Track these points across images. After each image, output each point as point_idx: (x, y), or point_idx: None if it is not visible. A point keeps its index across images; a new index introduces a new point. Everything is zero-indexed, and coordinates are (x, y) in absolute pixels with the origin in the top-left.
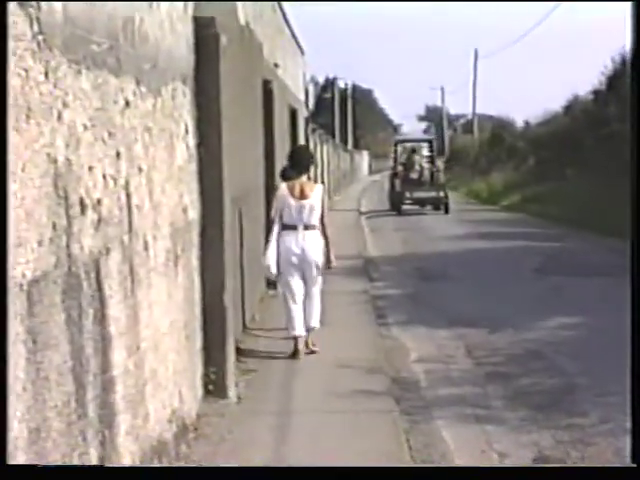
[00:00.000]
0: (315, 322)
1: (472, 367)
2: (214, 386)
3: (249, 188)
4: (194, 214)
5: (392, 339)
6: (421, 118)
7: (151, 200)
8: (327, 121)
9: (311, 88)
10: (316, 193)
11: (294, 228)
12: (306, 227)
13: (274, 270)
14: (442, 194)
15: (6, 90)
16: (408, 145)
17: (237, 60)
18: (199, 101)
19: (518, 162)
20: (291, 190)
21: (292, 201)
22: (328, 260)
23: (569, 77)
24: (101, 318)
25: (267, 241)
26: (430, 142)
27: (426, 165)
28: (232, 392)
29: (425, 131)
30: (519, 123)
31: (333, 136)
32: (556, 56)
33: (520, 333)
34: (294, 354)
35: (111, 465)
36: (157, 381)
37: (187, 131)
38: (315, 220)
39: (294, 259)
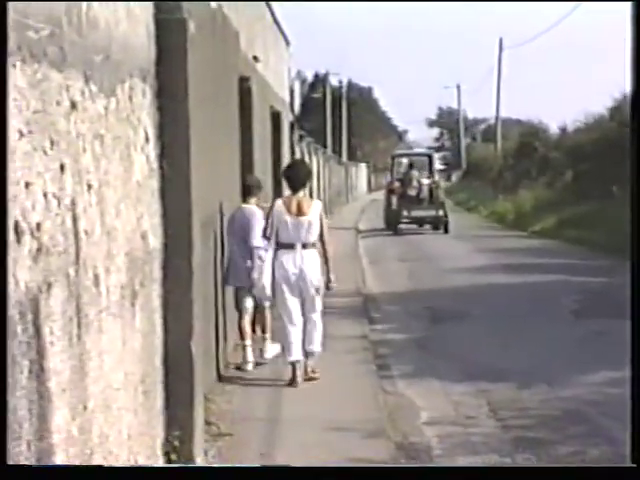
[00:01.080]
0: (316, 346)
1: (497, 431)
2: (177, 455)
3: (222, 209)
4: (156, 241)
5: (397, 395)
6: (432, 123)
7: (103, 224)
8: (317, 126)
9: (297, 86)
10: (314, 209)
11: (291, 247)
12: (304, 246)
13: (269, 291)
14: (441, 213)
15: (6, 90)
16: (405, 160)
17: (208, 52)
18: (162, 102)
19: (552, 177)
20: (287, 206)
21: (289, 218)
22: (328, 280)
23: (616, 72)
24: (39, 371)
25: (262, 260)
26: (429, 156)
27: (425, 181)
28: (200, 461)
29: (437, 139)
30: (553, 129)
31: (324, 145)
32: (599, 47)
33: (556, 389)
34: (291, 382)
35: (111, 465)
36: (107, 448)
37: (147, 139)
38: (313, 238)
39: (291, 280)
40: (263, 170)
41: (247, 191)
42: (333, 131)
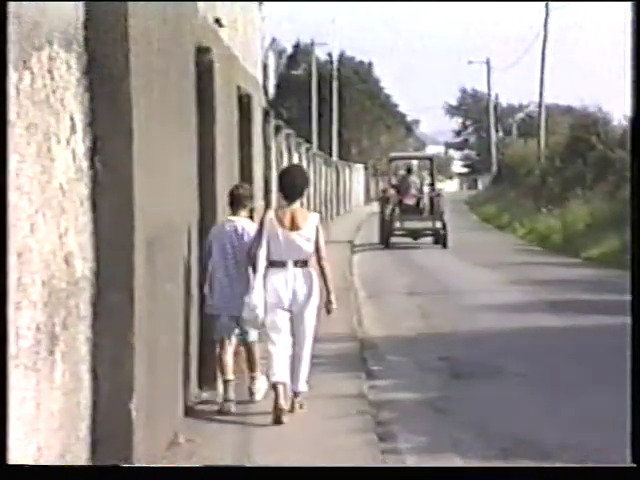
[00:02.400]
0: (302, 386)
1: None
2: None
3: (175, 223)
4: (85, 267)
5: None
6: (452, 111)
7: (11, 243)
8: (298, 114)
9: (272, 60)
10: (310, 223)
11: (283, 265)
12: (297, 264)
13: (261, 313)
14: (439, 224)
15: (6, 90)
16: (403, 163)
17: (154, 13)
18: (94, 80)
19: (615, 184)
20: (280, 219)
21: (281, 232)
22: (328, 301)
23: None
24: None
25: (251, 277)
26: (431, 160)
27: (425, 189)
28: None
29: (459, 133)
30: (617, 120)
31: (308, 139)
32: None
33: None
34: (275, 413)
35: (111, 465)
36: None
37: (74, 129)
38: (309, 255)
39: (283, 303)
40: (228, 172)
41: (237, 201)
42: (320, 121)
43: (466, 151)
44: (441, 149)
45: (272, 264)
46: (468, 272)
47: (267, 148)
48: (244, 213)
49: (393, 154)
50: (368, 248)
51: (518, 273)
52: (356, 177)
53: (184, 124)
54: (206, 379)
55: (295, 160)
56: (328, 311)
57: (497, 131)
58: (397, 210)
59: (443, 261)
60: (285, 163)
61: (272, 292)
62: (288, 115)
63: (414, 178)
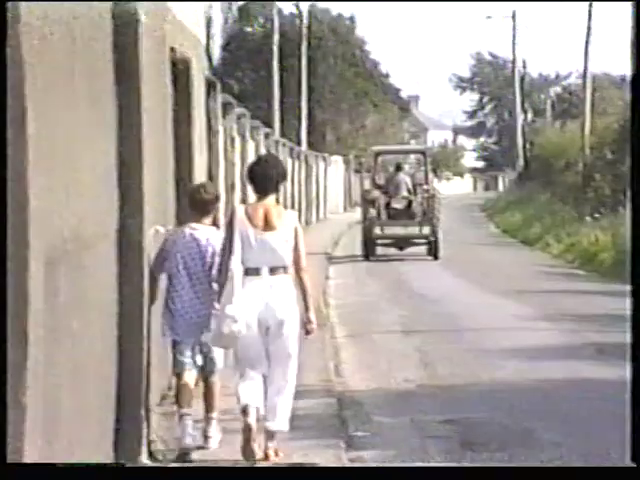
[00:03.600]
0: (280, 424)
1: None
2: None
3: (85, 234)
4: None
5: None
6: (463, 84)
7: None
8: (253, 87)
9: (218, 14)
10: (287, 222)
11: (256, 273)
12: (273, 271)
13: (242, 323)
14: (427, 230)
15: (6, 90)
16: (387, 158)
17: None
18: None
19: None
20: (251, 217)
21: (253, 233)
22: (307, 320)
23: None
24: None
25: (223, 287)
26: (423, 154)
27: (418, 190)
28: None
29: (472, 114)
30: None
31: (267, 122)
32: None
33: None
34: (245, 450)
35: (111, 465)
36: None
37: None
38: (286, 261)
39: (256, 318)
40: (160, 165)
41: (200, 207)
42: (283, 97)
43: (482, 138)
44: (448, 135)
45: (244, 272)
46: (483, 302)
47: (212, 132)
48: (208, 221)
49: (377, 148)
50: (349, 262)
51: (552, 305)
52: (333, 173)
53: (97, 100)
54: (125, 452)
55: (250, 150)
56: (307, 332)
57: (525, 111)
58: (383, 215)
59: (449, 286)
60: (237, 152)
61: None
62: (240, 88)
63: (404, 176)
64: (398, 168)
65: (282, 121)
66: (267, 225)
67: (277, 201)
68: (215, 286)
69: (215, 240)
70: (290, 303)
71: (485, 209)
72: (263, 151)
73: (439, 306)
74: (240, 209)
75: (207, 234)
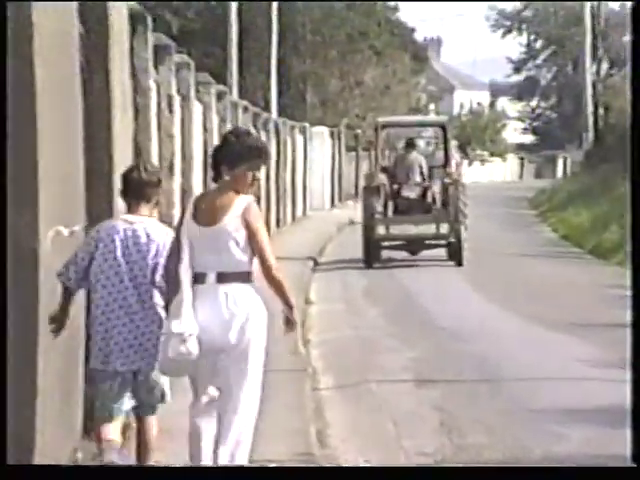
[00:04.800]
0: (240, 457)
1: None
2: None
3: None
4: None
5: None
6: (504, 22)
7: None
8: (199, 26)
9: None
10: (234, 211)
11: (201, 280)
12: (222, 278)
13: (193, 342)
14: (449, 228)
15: (6, 90)
16: (395, 132)
17: None
18: None
19: None
20: (197, 208)
21: (196, 229)
22: (287, 322)
23: None
24: None
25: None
26: (443, 127)
27: (436, 173)
28: None
29: (518, 65)
30: None
31: (221, 78)
32: None
33: None
34: None
35: (111, 465)
36: None
37: None
38: (240, 264)
39: (205, 341)
40: (60, 134)
41: (136, 191)
42: (244, 40)
43: (534, 101)
44: (482, 97)
45: (194, 279)
46: (532, 340)
47: (140, 90)
48: (147, 210)
49: (382, 119)
50: (340, 272)
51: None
52: (317, 152)
53: None
54: None
55: (196, 114)
56: (288, 324)
57: (597, 61)
58: (390, 208)
59: (481, 315)
60: (177, 119)
61: None
62: (181, 25)
63: (418, 156)
64: (409, 145)
65: (242, 75)
66: (210, 217)
67: (257, 199)
68: (160, 297)
69: (159, 235)
70: (249, 319)
71: (536, 204)
72: (214, 117)
73: (467, 344)
74: (191, 202)
75: (148, 228)
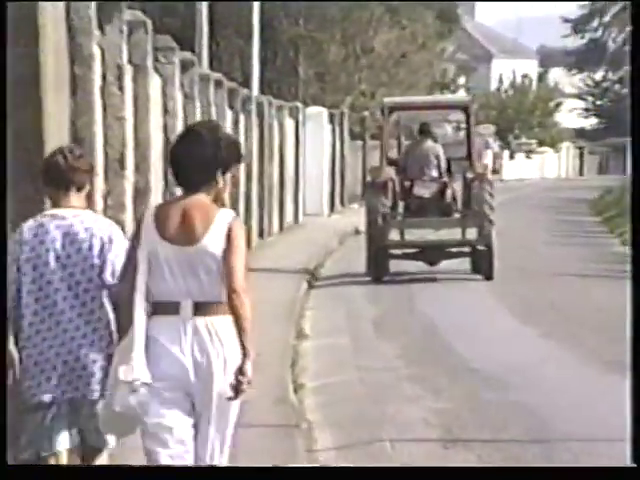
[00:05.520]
0: None
1: None
2: None
3: None
4: None
5: None
6: None
7: None
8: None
9: None
10: (217, 228)
11: (172, 310)
12: (200, 309)
13: (144, 393)
14: (476, 234)
15: (5, 89)
16: (408, 116)
17: None
18: None
19: None
20: (163, 222)
21: (164, 248)
22: (238, 374)
23: None
24: None
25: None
26: (465, 108)
27: (455, 167)
28: None
29: (577, 25)
30: None
31: (186, 43)
32: None
33: None
34: None
35: (111, 465)
36: None
37: None
38: (219, 293)
39: (175, 383)
40: None
41: (63, 179)
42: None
43: (600, 73)
44: (529, 67)
45: (155, 309)
46: (591, 387)
47: (79, 58)
48: (79, 201)
49: (390, 100)
50: (340, 292)
51: None
52: (312, 139)
53: None
54: None
55: (154, 90)
56: (235, 391)
57: None
58: (400, 208)
59: (527, 354)
60: (129, 98)
61: (154, 363)
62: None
63: (435, 146)
64: (423, 132)
65: (214, 39)
66: (186, 235)
67: (219, 201)
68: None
69: (101, 228)
70: (233, 360)
71: (600, 209)
72: (177, 95)
73: (508, 392)
74: (150, 212)
75: (86, 221)
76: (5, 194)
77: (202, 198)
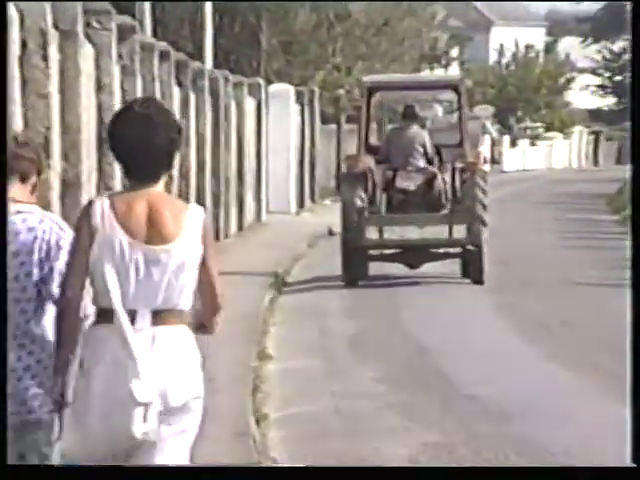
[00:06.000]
0: None
1: None
2: None
3: None
4: None
5: None
6: None
7: None
8: None
9: None
10: (192, 226)
11: (128, 319)
12: (158, 317)
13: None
14: (465, 232)
15: (6, 90)
16: (392, 97)
17: None
18: None
19: None
20: (124, 216)
21: (129, 247)
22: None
23: None
24: None
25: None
26: (456, 88)
27: (445, 154)
28: None
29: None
30: None
31: (133, 14)
32: None
33: None
34: None
35: (111, 465)
36: None
37: None
38: (185, 299)
39: (128, 406)
40: None
41: (10, 168)
42: None
43: (619, 43)
44: (535, 37)
45: (100, 318)
46: (606, 416)
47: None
48: (22, 194)
49: (370, 79)
50: (311, 299)
51: None
52: (277, 121)
53: None
54: None
55: (86, 61)
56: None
57: None
58: (381, 203)
59: (528, 372)
60: (55, 69)
61: (99, 381)
62: None
63: (420, 132)
64: (408, 116)
65: (159, 2)
66: (156, 233)
67: (168, 188)
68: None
69: (47, 231)
70: (196, 377)
71: (619, 205)
72: (114, 68)
73: (510, 424)
74: (102, 203)
75: (29, 219)
76: (5, 194)
77: (163, 191)
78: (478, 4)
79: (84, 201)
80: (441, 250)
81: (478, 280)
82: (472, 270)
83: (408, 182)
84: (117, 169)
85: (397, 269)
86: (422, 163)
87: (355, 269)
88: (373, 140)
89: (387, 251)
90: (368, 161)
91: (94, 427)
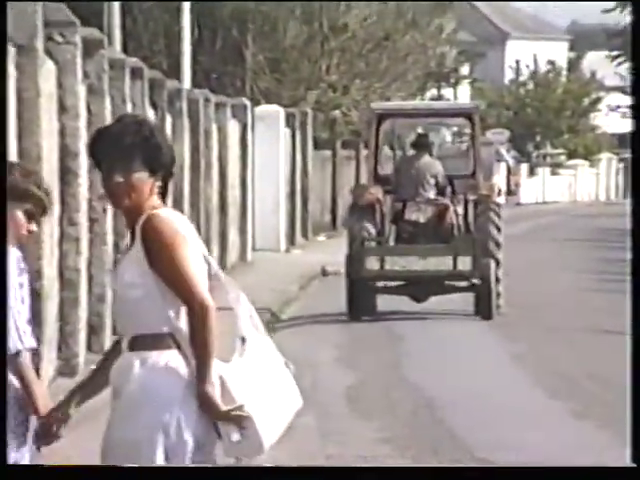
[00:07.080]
0: None
1: None
2: None
3: None
4: None
5: None
6: None
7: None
8: None
9: None
10: (136, 238)
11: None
12: (137, 342)
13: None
14: (471, 264)
15: (6, 90)
16: (402, 123)
17: None
18: None
19: None
20: None
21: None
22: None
23: None
24: None
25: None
26: (469, 117)
27: (458, 186)
28: None
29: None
30: None
31: (90, 18)
32: None
33: None
34: None
35: (111, 465)
36: None
37: None
38: (153, 320)
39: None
40: None
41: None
42: None
43: None
44: (557, 52)
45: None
46: None
47: None
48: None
49: (379, 105)
50: (307, 360)
51: None
52: (264, 147)
53: None
54: None
55: (46, 78)
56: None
57: None
58: (390, 234)
59: (555, 434)
60: (12, 88)
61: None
62: None
63: (432, 161)
64: (419, 146)
65: (130, 13)
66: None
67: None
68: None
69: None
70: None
71: None
72: (79, 88)
73: None
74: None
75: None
76: (5, 194)
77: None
78: (492, 15)
79: (45, 237)
80: (447, 283)
81: (487, 316)
82: (481, 305)
83: (418, 214)
84: (82, 202)
85: (405, 304)
86: (432, 194)
87: (359, 302)
88: (382, 169)
89: (391, 283)
90: (377, 191)
91: None
